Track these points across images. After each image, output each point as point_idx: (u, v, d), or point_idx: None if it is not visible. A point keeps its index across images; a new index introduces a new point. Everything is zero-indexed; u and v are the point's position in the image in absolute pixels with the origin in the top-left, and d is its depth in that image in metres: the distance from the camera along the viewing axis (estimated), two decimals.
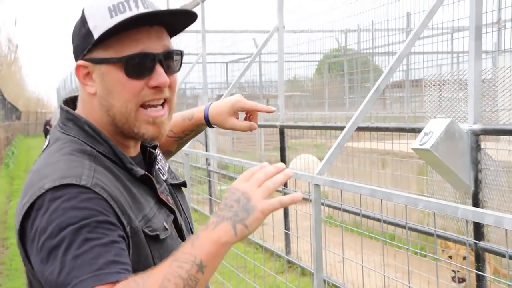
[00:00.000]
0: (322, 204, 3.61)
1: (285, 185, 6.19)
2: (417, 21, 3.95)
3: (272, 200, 1.15)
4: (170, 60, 1.28)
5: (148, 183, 1.31)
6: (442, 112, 4.14)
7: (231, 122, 1.59)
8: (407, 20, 6.89)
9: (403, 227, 4.09)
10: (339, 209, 3.96)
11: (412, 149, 3.49)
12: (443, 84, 4.49)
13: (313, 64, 13.16)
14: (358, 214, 3.51)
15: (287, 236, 6.45)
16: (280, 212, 6.49)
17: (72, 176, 1.14)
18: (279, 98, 6.34)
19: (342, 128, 3.98)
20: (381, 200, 2.93)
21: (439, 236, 3.69)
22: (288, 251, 6.41)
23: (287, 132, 6.46)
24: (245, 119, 1.61)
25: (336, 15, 7.01)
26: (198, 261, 1.09)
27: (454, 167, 3.39)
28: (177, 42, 11.82)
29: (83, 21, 1.25)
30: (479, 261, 3.46)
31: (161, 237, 1.27)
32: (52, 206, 1.10)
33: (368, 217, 4.43)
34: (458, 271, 4.01)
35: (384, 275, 3.27)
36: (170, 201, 1.38)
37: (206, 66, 9.12)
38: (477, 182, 3.44)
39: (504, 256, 3.19)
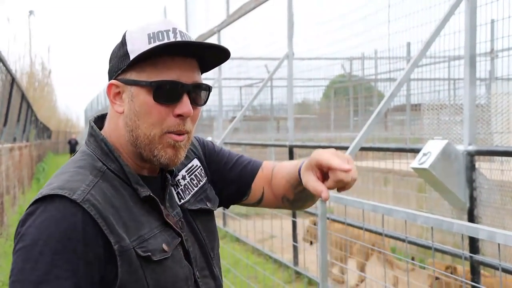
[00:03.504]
0: (328, 218, 3.60)
1: None
2: (417, 50, 3.96)
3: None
4: (197, 92, 1.26)
5: (153, 204, 1.24)
6: (439, 134, 4.14)
7: (306, 177, 1.27)
8: (407, 49, 6.91)
9: (403, 240, 4.07)
10: (343, 223, 3.95)
11: (412, 168, 3.49)
12: (441, 108, 4.49)
13: (320, 89, 13.19)
14: (361, 228, 3.50)
15: (295, 248, 6.43)
16: (289, 225, 6.48)
17: (68, 188, 1.13)
18: (288, 120, 6.37)
19: (346, 148, 3.99)
20: (383, 215, 2.92)
21: (436, 250, 3.67)
22: (296, 262, 6.39)
23: (296, 151, 6.47)
24: (321, 176, 1.26)
25: (342, 44, 7.04)
26: None
27: (450, 185, 3.38)
28: None
29: (122, 43, 1.24)
30: (474, 274, 3.44)
31: (154, 258, 1.19)
32: (39, 217, 1.11)
33: (370, 231, 4.41)
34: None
35: (385, 286, 3.25)
36: (178, 224, 1.29)
37: (221, 90, 9.20)
38: (472, 199, 3.43)
39: (497, 268, 3.17)
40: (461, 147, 3.43)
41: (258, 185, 1.50)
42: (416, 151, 3.78)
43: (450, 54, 4.95)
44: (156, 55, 1.20)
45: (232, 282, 5.66)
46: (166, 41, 1.20)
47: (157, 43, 1.19)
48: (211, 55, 1.27)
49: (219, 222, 8.91)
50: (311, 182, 1.24)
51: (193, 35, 10.84)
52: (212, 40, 9.03)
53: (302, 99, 13.76)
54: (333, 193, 3.72)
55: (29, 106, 15.34)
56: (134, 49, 1.21)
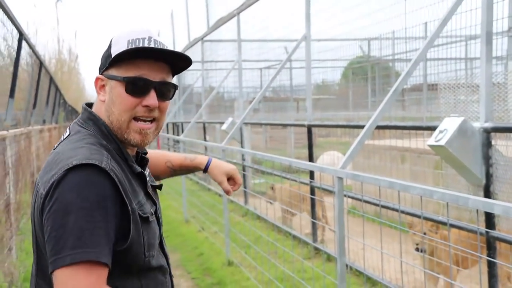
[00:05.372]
0: (345, 195, 3.56)
1: (312, 177, 6.14)
2: (434, 29, 3.86)
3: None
4: (164, 89, 1.50)
5: (142, 179, 1.53)
6: (456, 113, 4.05)
7: (221, 179, 1.95)
8: (425, 28, 6.76)
9: (419, 216, 4.02)
10: (360, 200, 3.91)
11: (429, 145, 3.43)
12: (458, 88, 4.39)
13: (339, 70, 13.06)
14: (378, 205, 3.46)
15: (313, 225, 6.41)
16: (308, 202, 6.46)
17: (95, 159, 1.34)
18: (307, 100, 6.31)
19: (363, 127, 3.93)
20: (399, 191, 2.88)
21: (452, 225, 3.62)
22: (314, 239, 6.38)
23: (315, 131, 6.42)
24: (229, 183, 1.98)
25: (359, 23, 6.93)
26: None
27: (467, 162, 3.32)
28: (216, 50, 11.86)
29: (109, 46, 1.50)
30: (490, 249, 3.38)
31: (150, 219, 1.48)
32: (72, 181, 1.30)
33: (387, 207, 4.37)
34: (418, 244, 4.47)
35: (402, 261, 3.22)
36: (153, 195, 1.60)
37: (241, 71, 9.13)
38: (488, 176, 3.37)
39: None
40: (477, 124, 3.35)
41: None
42: (432, 128, 3.71)
43: (467, 33, 4.83)
44: (131, 57, 1.45)
45: (253, 258, 5.68)
46: (139, 47, 1.45)
47: (133, 47, 1.45)
48: (180, 61, 1.52)
49: (240, 200, 8.93)
50: (225, 183, 1.95)
51: (214, 18, 10.70)
52: (232, 22, 8.97)
53: (321, 80, 13.65)
54: (351, 170, 3.68)
55: (57, 89, 15.44)
56: (115, 51, 1.46)
